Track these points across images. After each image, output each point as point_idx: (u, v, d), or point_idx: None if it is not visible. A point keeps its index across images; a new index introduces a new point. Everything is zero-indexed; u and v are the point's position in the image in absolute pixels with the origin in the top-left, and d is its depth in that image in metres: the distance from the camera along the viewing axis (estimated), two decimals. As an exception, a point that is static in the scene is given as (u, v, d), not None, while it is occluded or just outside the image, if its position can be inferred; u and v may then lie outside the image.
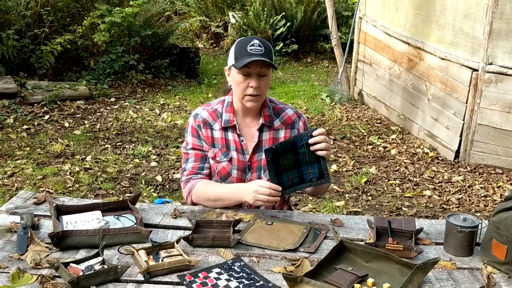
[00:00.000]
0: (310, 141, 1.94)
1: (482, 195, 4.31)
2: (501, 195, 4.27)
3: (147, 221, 1.93)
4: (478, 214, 3.96)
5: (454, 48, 4.89)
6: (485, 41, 4.51)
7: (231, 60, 2.07)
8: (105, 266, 1.58)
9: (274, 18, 8.73)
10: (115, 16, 6.43)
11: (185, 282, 1.56)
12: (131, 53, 6.80)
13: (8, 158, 4.56)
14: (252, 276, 1.61)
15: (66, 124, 5.43)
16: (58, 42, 6.16)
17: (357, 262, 1.68)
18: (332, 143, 5.33)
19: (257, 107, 2.14)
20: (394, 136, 5.53)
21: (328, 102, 6.59)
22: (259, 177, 2.12)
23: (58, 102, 5.87)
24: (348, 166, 4.78)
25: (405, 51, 5.67)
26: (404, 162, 4.92)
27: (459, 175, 4.63)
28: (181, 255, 1.67)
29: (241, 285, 1.56)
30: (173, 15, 9.53)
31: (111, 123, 5.57)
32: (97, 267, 1.58)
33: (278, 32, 8.66)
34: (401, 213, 3.99)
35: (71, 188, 4.11)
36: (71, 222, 1.86)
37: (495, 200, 4.21)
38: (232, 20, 9.04)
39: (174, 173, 4.48)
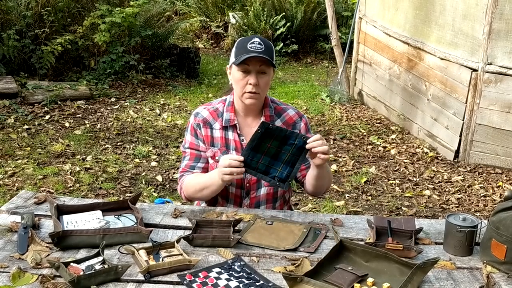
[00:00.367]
0: (308, 146, 1.92)
1: (481, 195, 4.31)
2: (500, 195, 4.27)
3: (147, 221, 1.94)
4: (478, 214, 3.97)
5: (453, 48, 4.89)
6: (485, 41, 4.52)
7: (231, 58, 2.08)
8: (106, 266, 1.59)
9: (274, 18, 8.73)
10: (115, 16, 6.44)
11: (185, 282, 1.57)
12: (132, 53, 6.80)
13: (9, 158, 4.57)
14: (252, 275, 1.61)
15: (67, 124, 5.43)
16: (59, 42, 6.17)
17: (357, 261, 1.69)
18: (332, 143, 5.33)
19: (258, 106, 2.14)
20: (393, 136, 5.54)
21: (328, 102, 6.59)
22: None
23: (59, 102, 5.87)
24: (348, 166, 4.79)
25: (405, 51, 5.67)
26: (404, 162, 4.92)
27: (459, 175, 4.64)
28: (181, 254, 1.67)
29: (241, 285, 1.56)
30: (173, 15, 9.53)
31: (112, 123, 5.58)
32: (97, 267, 1.58)
33: (278, 32, 8.66)
34: (401, 213, 4.00)
35: (71, 188, 4.12)
36: (71, 222, 1.87)
37: (494, 200, 4.21)
38: (232, 20, 9.05)
39: (174, 173, 4.48)
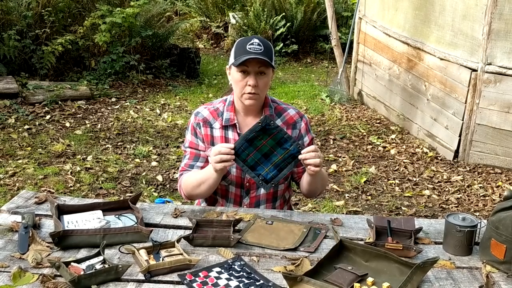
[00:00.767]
0: (301, 157, 1.92)
1: (481, 194, 4.32)
2: (500, 194, 4.27)
3: (147, 221, 1.94)
4: (477, 214, 3.97)
5: (453, 48, 4.90)
6: (484, 41, 4.52)
7: (231, 59, 2.08)
8: (106, 266, 1.59)
9: (274, 18, 8.73)
10: (116, 16, 6.44)
11: (185, 282, 1.57)
12: (132, 53, 6.81)
13: (10, 158, 4.57)
14: (252, 275, 1.62)
15: (67, 124, 5.44)
16: (59, 43, 6.17)
17: (356, 261, 1.69)
18: (332, 143, 5.34)
19: (257, 106, 2.15)
20: (393, 136, 5.54)
21: (328, 102, 6.60)
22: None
23: (59, 102, 5.88)
24: (348, 166, 4.79)
25: (405, 51, 5.68)
26: (404, 162, 4.93)
27: (458, 175, 4.64)
28: (181, 254, 1.68)
29: (241, 284, 1.57)
30: (173, 16, 9.54)
31: (112, 123, 5.58)
32: (98, 267, 1.59)
33: (278, 32, 8.67)
34: (401, 212, 4.00)
35: (72, 188, 4.12)
36: (72, 222, 1.87)
37: (494, 200, 4.22)
38: (233, 21, 9.05)
39: (174, 172, 4.49)
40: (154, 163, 4.68)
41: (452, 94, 4.94)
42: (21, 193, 2.16)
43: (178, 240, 1.73)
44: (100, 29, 6.43)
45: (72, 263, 1.59)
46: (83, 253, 1.70)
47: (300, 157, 1.93)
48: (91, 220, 1.88)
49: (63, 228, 1.77)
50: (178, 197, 3.99)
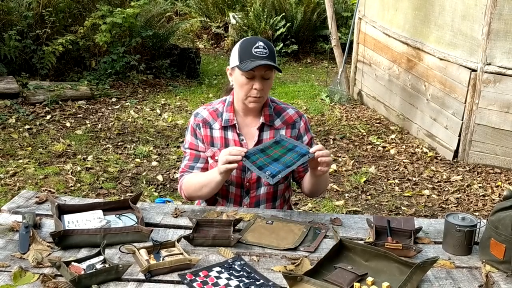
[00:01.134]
0: (316, 154, 1.91)
1: (480, 194, 4.32)
2: (499, 194, 4.28)
3: (148, 220, 1.94)
4: (477, 214, 3.98)
5: (452, 48, 4.90)
6: (484, 41, 4.53)
7: (234, 60, 2.06)
8: (107, 265, 1.59)
9: (274, 18, 8.74)
10: (116, 16, 6.45)
11: (185, 281, 1.57)
12: (132, 53, 6.81)
13: (10, 158, 4.58)
14: (252, 275, 1.62)
15: (68, 124, 5.44)
16: (60, 43, 6.18)
17: (356, 261, 1.69)
18: (331, 143, 5.34)
19: (258, 107, 2.16)
20: (393, 136, 5.55)
21: (327, 102, 6.60)
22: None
23: (60, 102, 5.88)
24: (348, 166, 4.80)
25: (404, 51, 5.68)
26: (403, 162, 4.93)
27: (458, 175, 4.65)
28: (181, 254, 1.68)
29: (241, 284, 1.57)
30: (174, 16, 9.55)
31: (112, 123, 5.59)
32: (98, 266, 1.59)
33: (278, 32, 8.67)
34: (400, 212, 4.01)
35: (72, 188, 4.13)
36: (72, 221, 1.87)
37: (493, 200, 4.22)
38: (233, 21, 9.06)
39: (175, 172, 4.49)
40: (154, 163, 4.68)
41: (451, 94, 4.95)
42: (22, 193, 2.16)
43: (179, 240, 1.74)
44: (101, 29, 6.43)
45: (72, 263, 1.59)
46: (83, 252, 1.70)
47: (316, 154, 1.91)
48: (91, 220, 1.89)
49: (63, 227, 1.78)
50: (178, 197, 3.99)
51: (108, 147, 4.97)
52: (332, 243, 1.79)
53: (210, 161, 2.17)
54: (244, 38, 2.12)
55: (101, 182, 4.26)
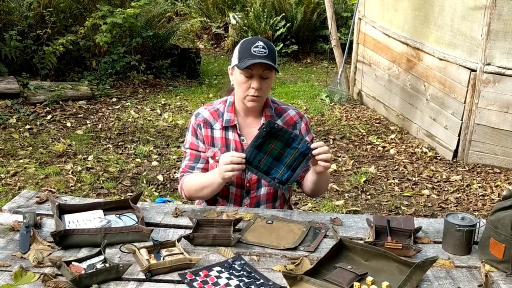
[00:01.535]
0: (315, 152, 1.92)
1: (480, 194, 4.33)
2: (499, 194, 4.28)
3: (148, 220, 1.95)
4: (476, 213, 3.98)
5: (452, 48, 4.91)
6: (483, 41, 4.53)
7: (234, 59, 2.08)
8: (107, 265, 1.60)
9: (274, 19, 8.74)
10: (116, 17, 6.45)
11: (186, 281, 1.58)
12: (133, 53, 6.82)
13: (11, 158, 4.58)
14: (253, 274, 1.63)
15: (68, 124, 5.45)
16: (60, 43, 6.18)
17: (356, 260, 1.70)
18: (331, 143, 5.35)
19: (259, 108, 2.16)
20: (393, 136, 5.55)
21: (327, 102, 6.60)
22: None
23: (60, 102, 5.89)
24: (348, 166, 4.80)
25: (404, 51, 5.68)
26: (403, 162, 4.93)
27: (458, 175, 4.65)
28: (182, 253, 1.68)
29: (241, 284, 1.58)
30: (174, 16, 9.55)
31: (113, 123, 5.59)
32: (99, 266, 1.59)
33: (278, 32, 8.67)
34: (400, 212, 4.01)
35: (73, 188, 4.13)
36: (73, 221, 1.88)
37: (493, 199, 4.23)
38: (233, 21, 9.06)
39: (175, 172, 4.50)
40: (154, 163, 4.69)
41: (451, 94, 4.95)
42: (22, 192, 2.16)
43: (179, 240, 1.74)
44: (101, 29, 6.44)
45: (73, 263, 1.60)
46: (84, 252, 1.71)
47: (314, 152, 1.92)
48: (92, 220, 1.89)
49: (64, 227, 1.78)
50: (178, 197, 4.00)
51: (109, 147, 4.98)
52: (332, 242, 1.79)
53: (211, 161, 2.18)
54: (246, 38, 2.12)
55: (101, 182, 4.26)
